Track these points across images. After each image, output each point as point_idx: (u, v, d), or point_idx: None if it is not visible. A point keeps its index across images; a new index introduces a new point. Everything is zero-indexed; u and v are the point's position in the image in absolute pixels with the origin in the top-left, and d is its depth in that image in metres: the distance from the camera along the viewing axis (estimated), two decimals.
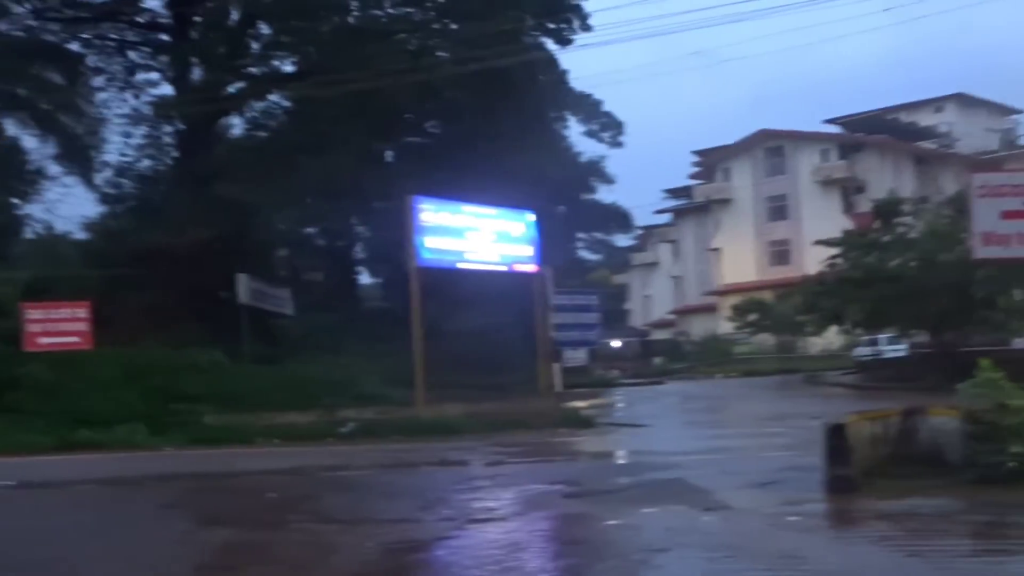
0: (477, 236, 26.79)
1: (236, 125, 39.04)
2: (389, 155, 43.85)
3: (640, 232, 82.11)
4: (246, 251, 33.45)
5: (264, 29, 34.46)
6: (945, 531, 9.66)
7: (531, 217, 28.17)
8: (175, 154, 35.59)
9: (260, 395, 24.70)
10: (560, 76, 38.64)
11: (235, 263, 30.70)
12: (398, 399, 25.91)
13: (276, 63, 35.32)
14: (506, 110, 34.61)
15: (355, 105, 32.98)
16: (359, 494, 13.66)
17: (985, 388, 12.16)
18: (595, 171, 49.37)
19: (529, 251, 27.93)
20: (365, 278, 51.96)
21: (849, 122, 75.53)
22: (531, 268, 27.91)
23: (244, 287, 29.27)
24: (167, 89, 35.38)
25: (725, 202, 75.70)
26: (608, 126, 44.28)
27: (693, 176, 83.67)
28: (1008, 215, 12.43)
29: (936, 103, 78.27)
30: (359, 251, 47.98)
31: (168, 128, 36.09)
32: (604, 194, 51.52)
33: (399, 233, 26.94)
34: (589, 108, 43.63)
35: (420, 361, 24.62)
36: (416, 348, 24.71)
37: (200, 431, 22.89)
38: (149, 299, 29.78)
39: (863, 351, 49.50)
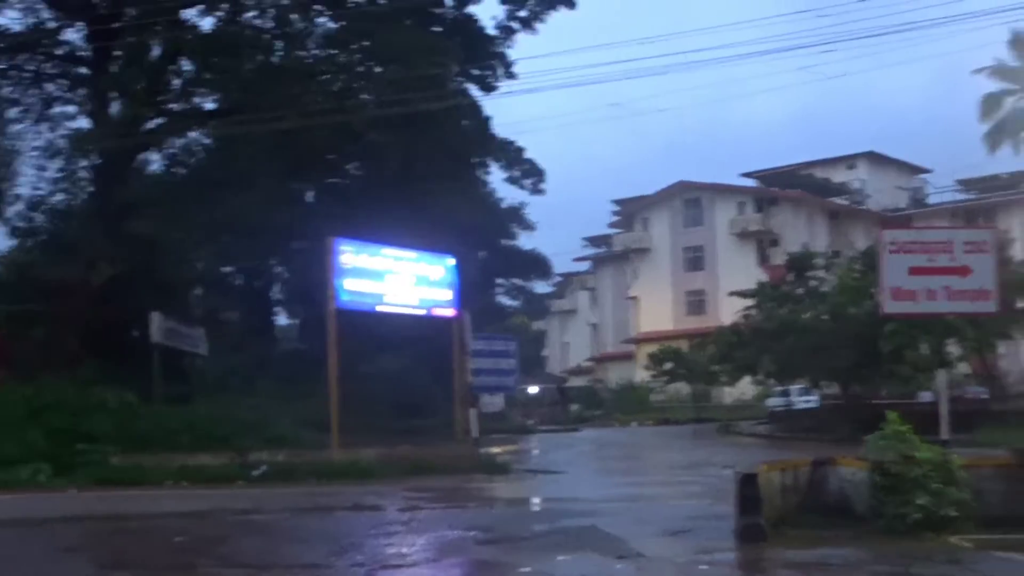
0: (396, 279, 26.71)
1: (155, 161, 38.52)
2: (310, 195, 43.62)
3: (559, 279, 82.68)
4: (159, 289, 32.86)
5: (186, 65, 34.14)
6: None
7: (451, 261, 28.18)
8: (90, 189, 34.94)
9: (170, 436, 24.17)
10: (483, 122, 38.87)
11: (148, 300, 30.15)
12: (312, 442, 25.58)
13: (197, 100, 34.97)
14: (428, 154, 34.70)
15: (276, 144, 32.78)
16: (269, 538, 13.42)
17: (892, 440, 12.42)
18: (516, 217, 49.59)
19: (448, 295, 27.91)
20: (282, 319, 51.46)
21: (765, 176, 77.23)
22: (450, 312, 27.88)
23: (157, 325, 28.73)
24: (84, 123, 34.81)
25: (643, 251, 76.65)
26: (529, 173, 44.53)
27: (612, 225, 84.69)
28: (915, 271, 12.76)
29: (848, 160, 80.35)
30: (277, 291, 47.52)
31: (84, 162, 35.43)
32: (524, 240, 51.75)
33: (318, 274, 26.75)
34: (511, 155, 43.88)
35: (335, 404, 24.38)
36: (332, 390, 24.47)
37: (106, 472, 22.30)
38: (57, 336, 29.11)
39: (775, 401, 50.28)
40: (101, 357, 28.73)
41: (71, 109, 35.01)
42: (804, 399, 48.92)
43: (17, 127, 34.45)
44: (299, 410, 29.53)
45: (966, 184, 74.86)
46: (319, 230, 29.42)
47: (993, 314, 15.42)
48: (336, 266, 25.04)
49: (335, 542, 12.62)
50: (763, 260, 69.73)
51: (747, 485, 11.88)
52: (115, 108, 33.43)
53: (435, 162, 35.22)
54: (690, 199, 75.03)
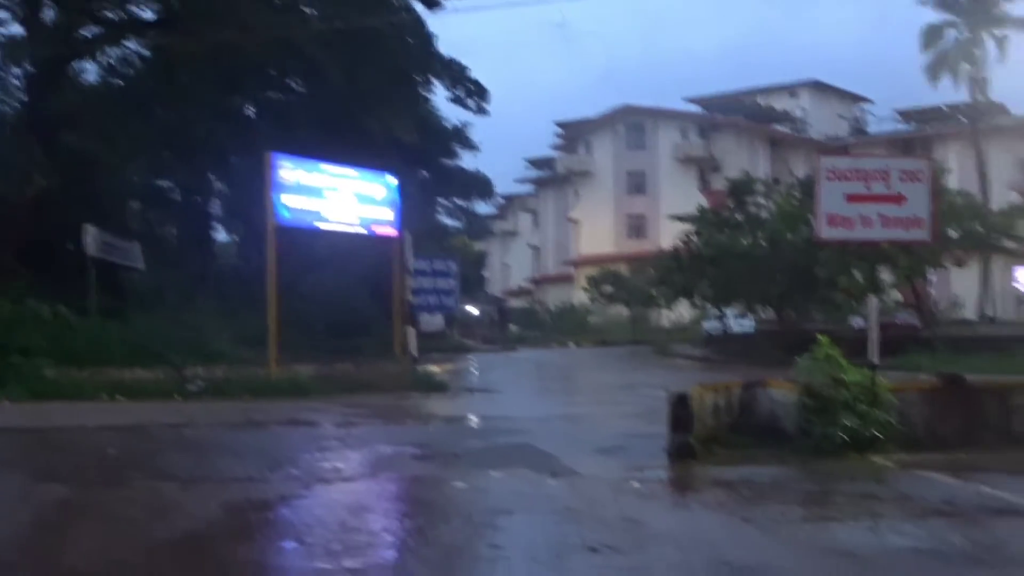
0: (337, 197, 26.48)
1: (90, 71, 37.57)
2: (250, 111, 42.96)
3: (501, 201, 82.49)
4: (95, 202, 32.32)
5: None
6: (777, 498, 10.04)
7: (392, 180, 27.98)
8: (23, 99, 34.04)
9: (105, 350, 23.94)
10: (427, 39, 38.36)
11: (83, 214, 29.64)
12: (250, 358, 25.49)
13: (135, 9, 34.03)
14: (371, 71, 34.23)
15: (215, 58, 32.14)
16: (204, 452, 13.43)
17: (821, 364, 12.70)
18: (459, 137, 49.30)
19: (389, 214, 27.75)
20: (221, 235, 50.91)
21: (708, 102, 77.27)
22: (390, 232, 27.75)
23: (91, 239, 28.28)
24: (17, 29, 33.78)
25: (585, 174, 76.62)
26: (473, 92, 44.16)
27: (555, 147, 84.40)
28: (851, 198, 12.90)
29: (791, 88, 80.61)
30: (216, 207, 46.94)
31: (16, 71, 34.48)
32: (467, 161, 51.61)
33: (257, 190, 26.44)
34: (455, 73, 43.43)
35: (274, 320, 24.27)
36: (270, 307, 24.35)
37: (40, 385, 22.05)
38: None
39: (712, 325, 50.90)
40: (36, 270, 28.30)
41: (3, 15, 33.92)
42: (740, 323, 49.62)
43: None
44: (237, 327, 29.39)
45: (905, 115, 75.58)
46: (258, 146, 29.01)
47: (926, 242, 15.71)
48: (275, 182, 24.76)
49: (270, 457, 12.67)
50: (704, 186, 70.11)
51: (679, 405, 12.10)
52: (49, 15, 32.46)
53: (377, 79, 34.76)
54: (633, 123, 74.94)
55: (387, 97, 35.19)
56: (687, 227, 43.74)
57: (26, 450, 14.15)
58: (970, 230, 38.21)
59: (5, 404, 20.54)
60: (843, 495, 10.22)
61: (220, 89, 35.70)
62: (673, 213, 46.92)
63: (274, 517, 9.15)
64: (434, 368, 29.29)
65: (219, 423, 17.15)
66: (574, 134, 79.39)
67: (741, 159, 68.94)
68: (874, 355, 13.22)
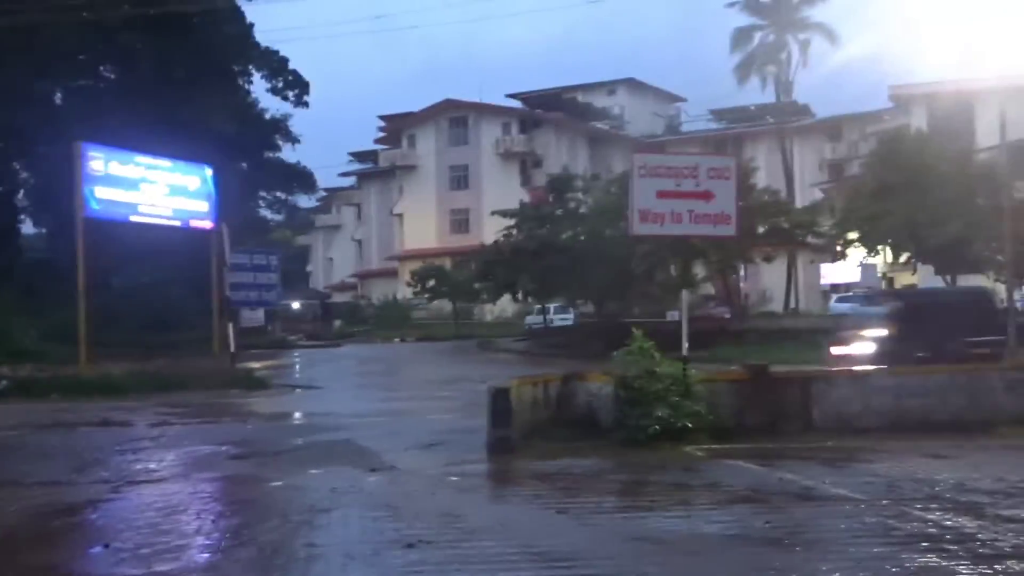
0: (151, 188, 25.75)
1: None
2: (59, 98, 41.23)
3: (324, 194, 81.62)
4: None
5: None
6: (593, 489, 10.27)
7: (208, 171, 27.37)
8: None
9: None
10: (245, 28, 37.64)
11: None
12: (59, 356, 24.57)
13: None
14: (186, 59, 33.42)
15: (19, 40, 30.75)
16: (6, 455, 12.87)
17: (637, 356, 13.05)
18: (279, 129, 48.50)
19: (205, 207, 27.15)
20: (28, 227, 48.68)
21: (529, 98, 78.20)
22: (207, 224, 27.14)
23: None
24: None
25: (409, 168, 76.49)
26: (293, 84, 43.57)
27: (379, 141, 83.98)
28: (662, 194, 13.28)
29: (609, 86, 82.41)
30: (22, 197, 44.89)
31: None
32: (288, 154, 50.80)
33: (66, 181, 25.45)
34: (274, 64, 42.75)
35: (84, 316, 23.43)
36: (80, 303, 23.48)
37: None
38: None
39: (534, 319, 51.64)
40: None
41: None
42: (561, 317, 50.48)
43: None
44: (45, 323, 28.29)
45: (717, 114, 78.25)
46: (68, 134, 27.92)
47: (733, 238, 16.27)
48: (85, 173, 23.90)
49: (79, 458, 12.24)
50: (526, 181, 70.91)
51: (499, 399, 12.24)
52: None
53: (193, 68, 33.95)
54: (456, 118, 75.23)
55: (203, 86, 34.38)
56: (508, 222, 44.18)
57: None
58: (777, 226, 39.83)
59: None
60: (655, 484, 10.53)
61: (26, 74, 34.14)
62: (496, 208, 47.24)
63: (80, 521, 8.83)
64: (254, 365, 28.78)
65: (24, 424, 16.46)
66: (397, 128, 79.14)
67: (562, 155, 70.08)
68: (685, 347, 13.67)
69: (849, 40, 60.88)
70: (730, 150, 63.46)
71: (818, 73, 61.77)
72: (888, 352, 19.76)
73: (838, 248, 41.66)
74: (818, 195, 56.46)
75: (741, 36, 61.23)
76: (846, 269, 46.47)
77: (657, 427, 12.47)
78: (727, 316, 41.30)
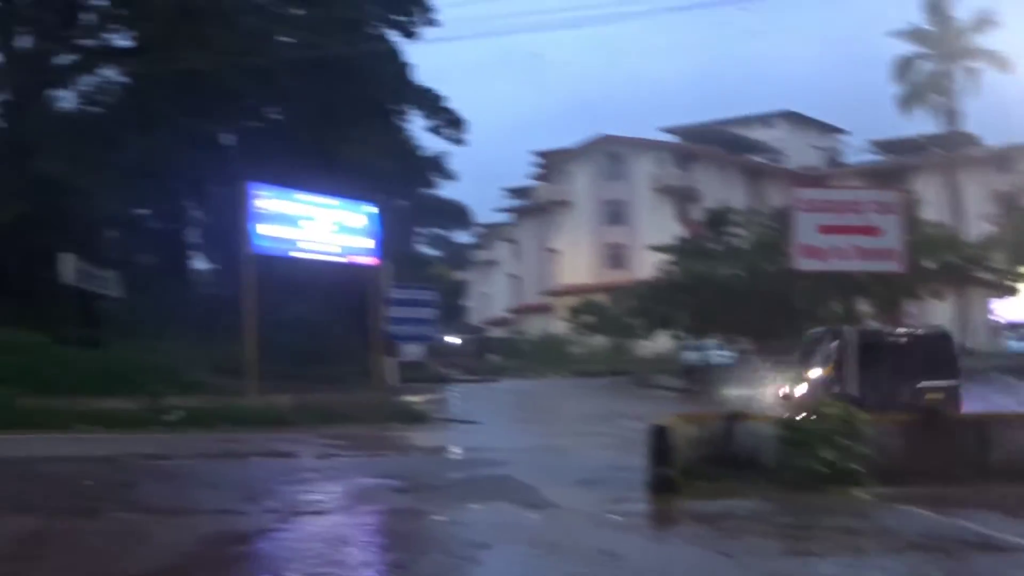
0: (315, 226, 26.47)
1: (66, 98, 37.51)
2: (227, 139, 42.91)
3: (480, 230, 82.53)
4: (71, 230, 32.19)
5: (100, 1, 33.20)
6: (756, 532, 10.02)
7: (371, 209, 28.00)
8: (0, 125, 33.96)
9: (81, 379, 23.76)
10: (403, 69, 38.48)
11: (59, 241, 29.52)
12: (227, 388, 25.36)
13: (110, 37, 34.03)
14: (347, 100, 34.31)
15: (192, 85, 32.14)
16: (181, 484, 13.33)
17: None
18: (436, 166, 49.29)
19: (368, 243, 27.75)
20: (199, 263, 50.68)
21: (685, 132, 77.64)
22: (369, 260, 27.74)
23: (68, 267, 28.14)
24: None
25: (564, 204, 76.72)
26: (450, 122, 44.28)
27: (534, 177, 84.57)
28: (825, 229, 13.00)
29: (767, 119, 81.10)
30: (193, 235, 46.77)
31: None
32: (446, 190, 51.61)
33: (234, 219, 26.39)
34: (432, 103, 43.55)
35: (252, 349, 24.18)
36: (248, 336, 24.25)
37: (14, 415, 21.85)
38: None
39: (691, 356, 50.95)
40: (10, 298, 28.11)
41: None
42: (719, 354, 49.70)
43: None
44: (214, 355, 29.23)
45: (880, 146, 76.17)
46: (235, 174, 28.99)
47: (899, 273, 15.77)
48: (252, 211, 24.74)
49: (248, 488, 12.58)
50: (682, 215, 70.27)
51: (659, 437, 12.08)
52: (26, 43, 32.40)
53: (354, 108, 34.83)
54: (611, 153, 75.19)
55: (363, 126, 35.23)
56: (665, 257, 43.86)
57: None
58: (946, 261, 38.45)
59: None
60: (822, 529, 10.21)
61: (196, 117, 35.66)
62: (652, 243, 46.95)
63: (251, 550, 9.07)
64: (413, 398, 29.17)
65: (196, 454, 17.03)
66: (553, 163, 79.58)
67: (718, 189, 69.26)
68: (853, 387, 13.25)
69: (1022, 67, 58.33)
70: (894, 183, 61.65)
71: (988, 101, 59.33)
72: (828, 396, 18.53)
73: (1010, 283, 39.92)
74: (989, 228, 54.26)
75: (904, 65, 59.50)
76: (1020, 305, 44.46)
77: (823, 469, 12.10)
78: None
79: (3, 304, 27.44)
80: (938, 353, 18.69)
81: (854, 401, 17.26)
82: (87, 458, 16.23)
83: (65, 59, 33.10)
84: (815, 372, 19.35)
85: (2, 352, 24.14)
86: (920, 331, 23.61)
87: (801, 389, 18.93)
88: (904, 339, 20.77)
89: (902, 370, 17.58)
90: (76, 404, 22.63)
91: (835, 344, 20.45)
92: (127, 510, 11.25)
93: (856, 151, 78.95)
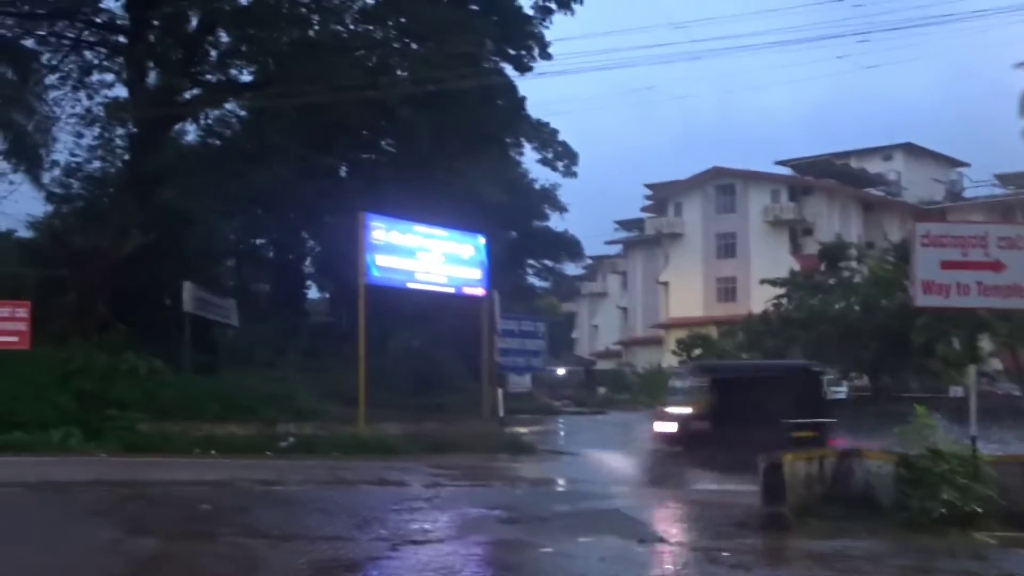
0: (427, 256, 26.75)
1: (190, 132, 38.73)
2: (342, 171, 43.72)
3: (590, 262, 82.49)
4: (190, 259, 33.12)
5: (223, 37, 34.18)
6: (873, 573, 9.74)
7: (481, 240, 28.19)
8: (125, 157, 35.15)
9: (198, 405, 24.36)
10: (517, 102, 38.72)
11: (178, 270, 30.38)
12: (339, 415, 25.71)
13: (233, 72, 35.03)
14: (461, 132, 34.63)
15: (309, 118, 32.83)
16: (293, 509, 13.52)
17: (920, 434, 12.35)
18: (548, 199, 49.55)
19: (478, 274, 27.92)
20: (313, 292, 51.67)
21: (799, 164, 76.59)
22: (479, 291, 27.90)
23: (188, 295, 28.94)
24: (121, 91, 34.98)
25: (675, 236, 76.26)
26: (562, 155, 44.47)
27: (645, 209, 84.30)
28: (947, 265, 12.62)
29: (884, 151, 79.48)
30: (308, 265, 47.72)
31: (120, 131, 35.66)
32: (556, 222, 51.78)
33: (349, 249, 26.80)
34: (544, 136, 43.81)
35: (363, 378, 24.46)
36: (360, 365, 24.55)
37: (135, 438, 22.54)
38: (87, 302, 29.33)
39: None
40: (131, 324, 28.97)
41: (109, 77, 35.19)
42: (833, 389, 48.64)
43: (55, 93, 34.64)
44: (326, 383, 29.64)
45: (1003, 179, 73.97)
46: (350, 205, 29.48)
47: None
48: (367, 242, 25.10)
49: (358, 515, 12.71)
50: (795, 249, 69.25)
51: (772, 474, 11.87)
52: (152, 77, 33.56)
53: (467, 141, 35.13)
54: (723, 185, 74.55)
55: (476, 158, 35.51)
56: (778, 291, 43.21)
57: (119, 503, 14.37)
58: None
59: (101, 456, 20.98)
60: (942, 572, 9.88)
61: (313, 149, 36.40)
62: (764, 277, 46.27)
63: None
64: (521, 429, 29.20)
65: (308, 480, 17.28)
66: (664, 195, 79.23)
67: (833, 222, 68.11)
68: (974, 426, 12.83)
69: None
70: (1019, 217, 59.84)
71: None
72: (693, 432, 17.90)
73: None
74: None
75: None
76: None
77: (943, 510, 11.72)
78: (1016, 393, 38.64)
79: (125, 330, 28.29)
80: (806, 390, 18.56)
81: (712, 439, 16.95)
82: (203, 482, 16.61)
83: (189, 93, 34.13)
84: (680, 409, 19.17)
85: (123, 378, 24.90)
86: (786, 368, 22.95)
87: (667, 426, 19.02)
88: (770, 375, 20.23)
89: (767, 407, 17.31)
90: (193, 429, 23.22)
91: (697, 380, 20.15)
92: (242, 535, 11.46)
93: (978, 184, 76.82)
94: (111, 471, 18.32)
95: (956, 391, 36.61)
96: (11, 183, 33.58)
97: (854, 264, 41.85)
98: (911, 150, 79.07)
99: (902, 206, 73.29)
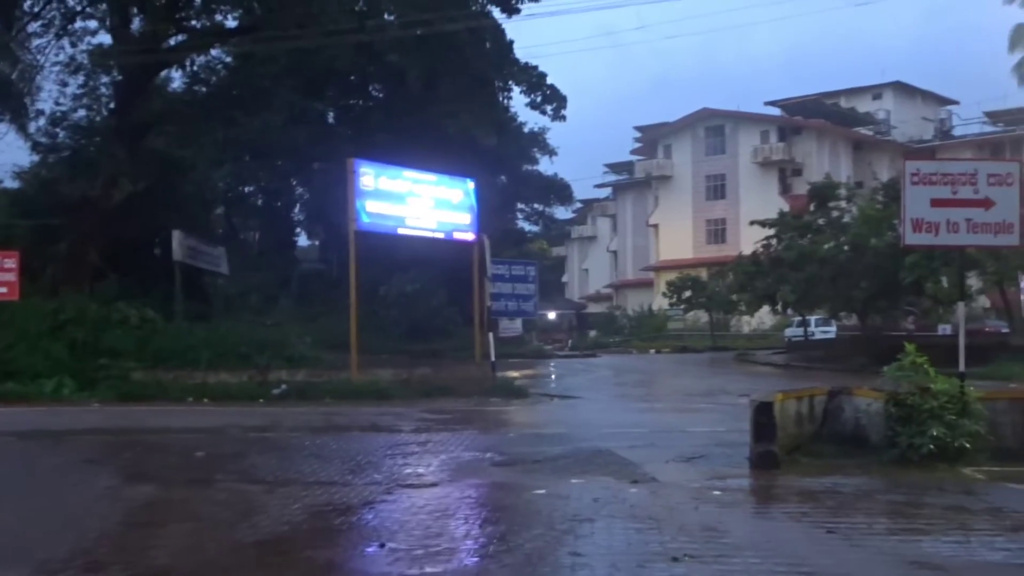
0: (417, 202, 26.67)
1: (175, 79, 38.39)
2: (331, 117, 43.49)
3: (580, 205, 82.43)
4: (180, 207, 33.00)
5: None
6: (863, 509, 9.85)
7: (471, 185, 28.09)
8: (112, 105, 34.86)
9: (191, 353, 24.46)
10: (506, 46, 38.48)
11: (169, 218, 30.30)
12: (331, 362, 25.83)
13: (219, 17, 34.64)
14: (450, 76, 34.45)
15: (296, 63, 32.60)
16: (288, 455, 13.61)
17: (909, 372, 12.43)
18: (537, 142, 49.44)
19: (468, 219, 27.86)
20: (303, 240, 51.62)
21: (789, 105, 76.31)
22: (469, 236, 27.86)
23: (178, 244, 28.90)
24: (105, 38, 34.61)
25: (665, 179, 76.16)
26: (551, 98, 44.21)
27: (634, 152, 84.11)
28: (937, 203, 12.62)
29: (874, 90, 79.25)
30: (297, 212, 47.66)
31: (105, 79, 35.34)
32: (546, 166, 51.79)
33: (338, 195, 26.73)
34: (533, 79, 43.53)
35: (355, 325, 24.52)
36: (351, 312, 24.60)
37: (129, 387, 22.68)
38: (78, 251, 29.28)
39: (793, 331, 50.31)
40: (122, 274, 28.95)
41: (92, 24, 34.79)
42: (822, 329, 48.93)
43: (38, 41, 34.24)
44: (318, 330, 29.76)
45: (993, 116, 73.87)
46: (339, 151, 29.40)
47: (1016, 247, 15.28)
48: (357, 188, 25.01)
49: (352, 460, 12.80)
50: (785, 189, 69.24)
51: (762, 413, 11.95)
52: (136, 24, 33.18)
53: (456, 85, 34.95)
54: (713, 127, 74.34)
55: (466, 102, 35.34)
56: (768, 231, 43.23)
57: (116, 450, 14.48)
58: None
59: (94, 405, 21.08)
60: (931, 507, 9.98)
61: (301, 95, 36.19)
62: (753, 218, 46.24)
63: (357, 521, 9.22)
64: (513, 373, 29.34)
65: (302, 427, 17.38)
66: (653, 138, 78.99)
67: (823, 162, 68.07)
68: (962, 363, 12.92)
69: None
70: (1009, 154, 59.79)
71: None
72: None
73: None
74: None
75: (1020, 33, 57.44)
76: None
77: (932, 446, 11.84)
78: (1005, 331, 38.86)
79: (116, 279, 28.27)
80: None
81: None
82: (198, 430, 16.72)
83: (174, 40, 33.77)
84: None
85: (115, 327, 24.97)
86: None
87: None
88: None
89: None
90: (186, 377, 23.36)
91: None
92: (237, 480, 11.57)
93: (967, 122, 76.70)
94: (105, 420, 18.43)
95: (945, 329, 36.84)
96: None
97: (844, 204, 41.79)
98: (901, 88, 78.82)
99: (892, 145, 73.23)
